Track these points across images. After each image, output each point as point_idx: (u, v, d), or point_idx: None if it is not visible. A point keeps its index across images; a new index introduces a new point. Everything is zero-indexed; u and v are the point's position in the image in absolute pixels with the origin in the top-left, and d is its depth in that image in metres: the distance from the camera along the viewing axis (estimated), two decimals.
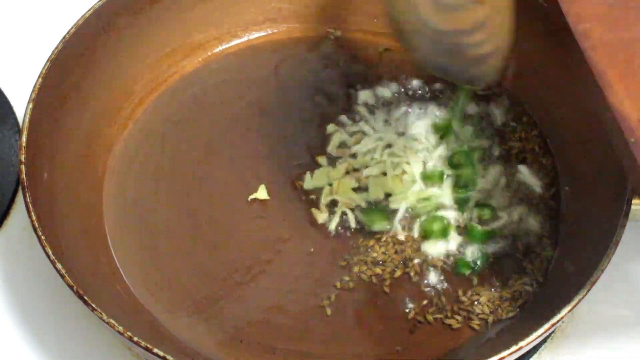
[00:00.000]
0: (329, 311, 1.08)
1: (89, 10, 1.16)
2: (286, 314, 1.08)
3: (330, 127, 1.22)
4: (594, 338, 1.12)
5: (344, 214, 1.14)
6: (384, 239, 1.12)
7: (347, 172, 1.17)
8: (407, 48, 0.98)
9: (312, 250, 1.12)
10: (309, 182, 1.17)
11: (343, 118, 1.22)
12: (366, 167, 1.17)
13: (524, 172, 1.17)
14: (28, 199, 1.01)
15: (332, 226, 1.14)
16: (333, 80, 1.27)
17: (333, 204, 1.15)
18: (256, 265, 1.12)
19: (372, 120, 1.22)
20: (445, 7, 0.92)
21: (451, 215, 1.13)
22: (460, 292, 1.08)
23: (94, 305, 0.95)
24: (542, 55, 1.19)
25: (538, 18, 1.18)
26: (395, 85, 1.25)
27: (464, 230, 1.12)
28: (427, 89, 1.24)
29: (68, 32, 1.14)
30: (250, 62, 1.30)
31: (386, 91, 1.24)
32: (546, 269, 1.10)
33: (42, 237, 0.99)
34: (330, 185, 1.16)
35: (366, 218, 1.13)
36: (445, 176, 1.15)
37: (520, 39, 1.21)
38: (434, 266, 1.10)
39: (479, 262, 1.10)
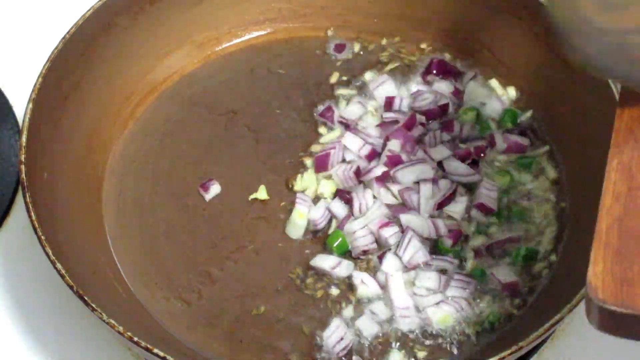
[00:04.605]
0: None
1: (89, 10, 1.16)
2: (287, 316, 1.08)
3: (323, 128, 1.22)
4: (594, 338, 1.12)
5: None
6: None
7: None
8: (566, 49, 0.92)
9: (309, 250, 1.13)
10: (299, 183, 1.17)
11: (340, 118, 1.22)
12: None
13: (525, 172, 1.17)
14: (28, 199, 1.01)
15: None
16: (333, 80, 1.27)
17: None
18: (256, 266, 1.12)
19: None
20: (613, 6, 0.87)
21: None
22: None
23: (94, 306, 0.95)
24: (542, 55, 1.19)
25: (538, 18, 1.18)
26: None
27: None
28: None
29: (68, 32, 1.14)
30: (250, 62, 1.30)
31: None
32: (547, 269, 1.10)
33: (42, 237, 0.99)
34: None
35: (329, 237, 1.12)
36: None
37: (520, 39, 1.22)
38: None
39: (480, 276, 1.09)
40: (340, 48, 1.29)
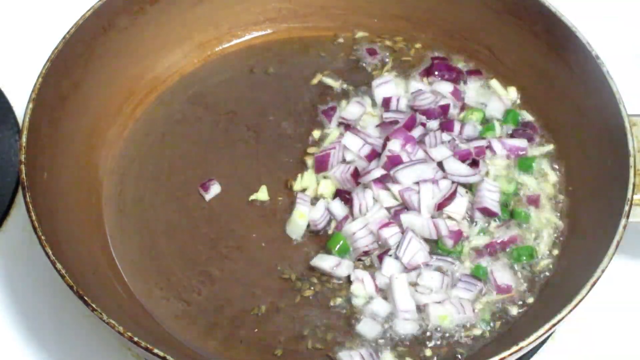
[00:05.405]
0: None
1: (89, 10, 1.16)
2: (287, 316, 1.08)
3: (323, 128, 1.22)
4: (594, 338, 1.13)
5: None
6: None
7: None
8: None
9: (309, 250, 1.13)
10: (299, 183, 1.17)
11: (341, 118, 1.22)
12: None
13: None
14: (28, 199, 1.01)
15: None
16: (333, 80, 1.27)
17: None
18: (256, 267, 1.12)
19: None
20: None
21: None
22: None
23: (94, 306, 0.95)
24: (542, 55, 1.19)
25: (538, 18, 1.18)
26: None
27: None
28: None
29: (68, 32, 1.14)
30: (250, 62, 1.30)
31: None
32: (547, 269, 1.10)
33: (42, 237, 0.99)
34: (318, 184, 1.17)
35: (330, 240, 1.12)
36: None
37: (520, 39, 1.22)
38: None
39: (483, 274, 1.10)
40: (371, 52, 1.29)
